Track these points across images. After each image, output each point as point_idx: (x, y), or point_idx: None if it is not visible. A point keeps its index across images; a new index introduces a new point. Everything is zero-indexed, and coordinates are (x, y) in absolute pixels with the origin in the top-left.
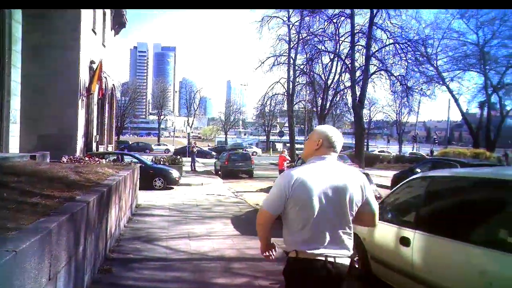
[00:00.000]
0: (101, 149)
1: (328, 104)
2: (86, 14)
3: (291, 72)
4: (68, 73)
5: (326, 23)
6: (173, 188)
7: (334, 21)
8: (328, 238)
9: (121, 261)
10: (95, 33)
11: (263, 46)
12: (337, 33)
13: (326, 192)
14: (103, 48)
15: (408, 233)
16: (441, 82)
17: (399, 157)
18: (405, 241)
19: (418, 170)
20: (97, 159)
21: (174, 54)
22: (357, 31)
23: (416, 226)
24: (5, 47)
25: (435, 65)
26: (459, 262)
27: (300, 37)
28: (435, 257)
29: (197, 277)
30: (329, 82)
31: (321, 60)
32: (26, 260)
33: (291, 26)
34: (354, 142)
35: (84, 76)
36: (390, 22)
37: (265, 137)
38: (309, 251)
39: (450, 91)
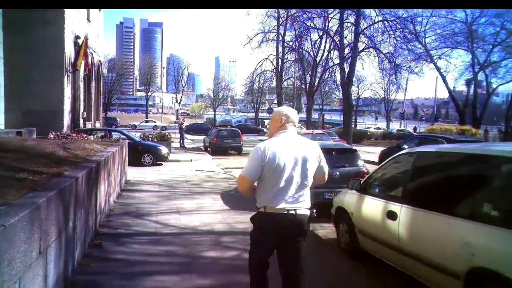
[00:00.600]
0: (89, 125)
1: (316, 81)
2: None
3: (280, 49)
4: (53, 48)
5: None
6: (162, 164)
7: None
8: (290, 196)
9: (111, 236)
10: None
11: (251, 22)
12: (325, 10)
13: (291, 159)
14: (88, 23)
15: (394, 207)
16: (429, 60)
17: (386, 133)
18: (391, 215)
19: (405, 146)
20: (84, 135)
21: (161, 30)
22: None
23: (402, 200)
24: None
25: (423, 42)
26: (443, 235)
27: (289, 14)
28: (420, 230)
29: (187, 250)
30: (318, 59)
31: (310, 37)
32: (15, 235)
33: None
34: (342, 119)
35: (69, 52)
36: None
37: (254, 114)
38: (275, 207)
39: (438, 69)
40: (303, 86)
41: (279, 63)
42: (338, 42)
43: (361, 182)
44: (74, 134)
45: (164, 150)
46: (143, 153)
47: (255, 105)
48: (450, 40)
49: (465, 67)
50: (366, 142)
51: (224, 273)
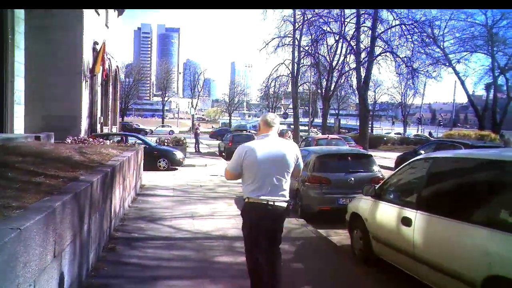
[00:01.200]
0: (106, 130)
1: (332, 86)
2: None
3: (296, 54)
4: (72, 54)
5: None
6: (177, 169)
7: None
8: (269, 188)
9: (125, 240)
10: (98, 13)
11: (267, 27)
12: (342, 14)
13: (269, 157)
14: (106, 29)
15: (409, 213)
16: (447, 64)
17: (403, 138)
18: (406, 221)
19: (422, 151)
20: (101, 140)
21: (178, 35)
22: (363, 12)
23: (417, 206)
24: (7, 28)
25: (441, 46)
26: (459, 242)
27: (305, 18)
28: (436, 237)
29: (200, 255)
30: (334, 63)
31: (326, 42)
32: (30, 238)
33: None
34: (358, 123)
35: (87, 57)
36: None
37: None
38: (256, 197)
39: (457, 73)
40: (319, 91)
41: (295, 68)
42: (354, 47)
43: (376, 188)
44: (91, 139)
45: (179, 155)
46: (158, 157)
47: (270, 110)
48: (469, 43)
49: (485, 71)
50: (382, 147)
51: (236, 278)
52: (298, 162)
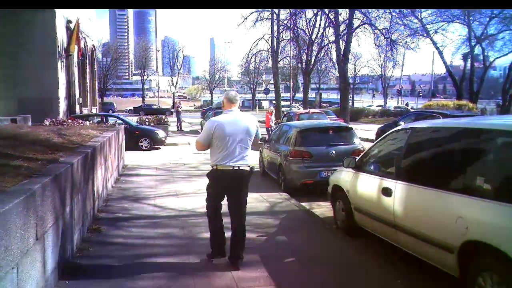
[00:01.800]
0: (85, 111)
1: (313, 60)
2: None
3: (275, 28)
4: (44, 33)
5: None
6: (159, 148)
7: None
8: (235, 156)
9: (110, 220)
10: None
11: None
12: None
13: (233, 129)
14: None
15: (389, 183)
16: (425, 35)
17: (384, 111)
18: (386, 192)
19: (402, 122)
20: (80, 121)
21: (155, 12)
22: None
23: (397, 176)
24: None
25: (419, 17)
26: (437, 210)
27: None
28: (415, 206)
29: (185, 232)
30: (313, 37)
31: (305, 15)
32: (10, 221)
33: None
34: (339, 97)
35: (61, 36)
36: None
37: (251, 95)
38: (225, 165)
39: (434, 44)
40: (299, 65)
41: (275, 42)
42: (333, 19)
43: (357, 159)
44: (70, 120)
45: (161, 134)
46: (140, 137)
47: (252, 86)
48: (446, 13)
49: (462, 41)
50: (363, 119)
51: None
52: (257, 132)
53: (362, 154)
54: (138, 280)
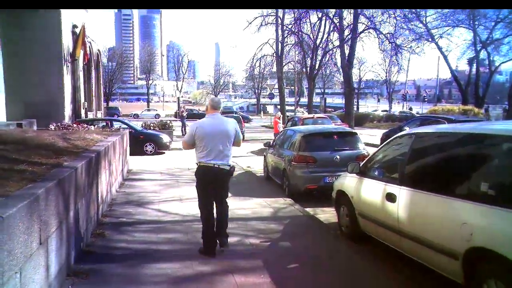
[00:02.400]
0: (90, 116)
1: (317, 65)
2: None
3: (280, 32)
4: (50, 38)
5: None
6: (164, 153)
7: None
8: (215, 155)
9: (113, 225)
10: None
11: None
12: None
13: (213, 131)
14: (85, 12)
15: (393, 189)
16: (430, 39)
17: (389, 115)
18: (390, 197)
19: (407, 128)
20: (85, 125)
21: (160, 17)
22: None
23: (401, 182)
24: None
25: (424, 21)
26: (442, 216)
27: None
28: (419, 212)
29: (189, 237)
30: (318, 41)
31: (309, 19)
32: (14, 226)
33: None
34: (344, 102)
35: (67, 41)
36: None
37: (255, 100)
38: (206, 162)
39: (439, 48)
40: (304, 70)
41: (279, 47)
42: (337, 24)
43: (361, 165)
44: (75, 125)
45: (166, 138)
46: (145, 142)
47: (257, 91)
48: (451, 18)
49: (467, 45)
50: (368, 124)
51: (225, 259)
52: (237, 133)
53: (366, 159)
54: (141, 285)
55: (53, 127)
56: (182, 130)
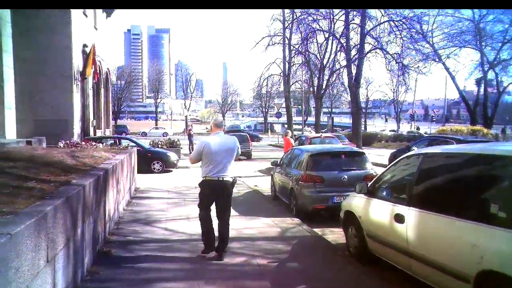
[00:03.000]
0: (99, 133)
1: (324, 84)
2: None
3: (287, 52)
4: (61, 57)
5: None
6: (171, 171)
7: None
8: (220, 169)
9: (120, 243)
10: (86, 15)
11: (258, 26)
12: (331, 11)
13: (218, 148)
14: (95, 31)
15: (402, 210)
16: (437, 60)
17: (397, 135)
18: (399, 218)
19: (415, 148)
20: (94, 143)
21: (168, 36)
22: (351, 9)
23: (409, 203)
24: None
25: (431, 42)
26: (451, 238)
27: (294, 16)
28: (428, 233)
29: (196, 257)
30: (325, 61)
31: (316, 40)
32: (21, 243)
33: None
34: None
35: (77, 61)
36: None
37: (263, 119)
38: (211, 176)
39: (447, 69)
40: (311, 89)
41: (286, 67)
42: (344, 44)
43: (368, 185)
44: (83, 143)
45: (173, 157)
46: (152, 160)
47: (264, 110)
48: (458, 39)
49: (475, 66)
50: (376, 144)
51: (232, 279)
52: (238, 150)
53: (374, 179)
54: None
55: (62, 145)
56: (189, 148)
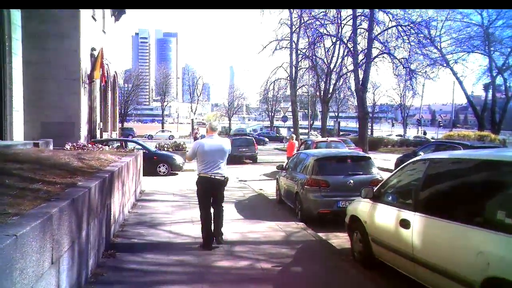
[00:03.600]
0: (105, 136)
1: (331, 88)
2: None
3: (294, 57)
4: (69, 61)
5: None
6: (177, 174)
7: None
8: (213, 167)
9: (125, 246)
10: (95, 19)
11: (265, 30)
12: (338, 16)
13: (211, 149)
14: (103, 35)
15: (407, 215)
16: (445, 65)
17: (403, 140)
18: (404, 223)
19: (421, 153)
20: (100, 146)
21: (176, 40)
22: (359, 14)
23: (415, 208)
24: (5, 35)
25: (438, 47)
26: (457, 244)
27: (302, 21)
28: (434, 239)
29: (200, 260)
30: (332, 66)
31: (324, 44)
32: (27, 244)
33: (292, 10)
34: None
35: (85, 64)
36: None
37: (269, 123)
38: (205, 173)
39: (454, 74)
40: (318, 94)
41: (293, 71)
42: (351, 48)
43: (374, 190)
44: (90, 145)
45: (179, 159)
46: (158, 163)
47: (270, 113)
48: (466, 44)
49: (483, 71)
50: (382, 149)
51: (236, 283)
52: (229, 151)
53: (380, 184)
54: None
55: (68, 147)
56: None
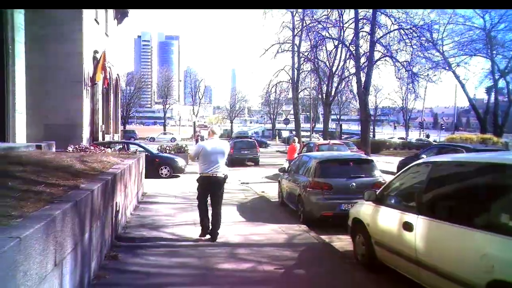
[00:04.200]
0: (107, 138)
1: (333, 91)
2: None
3: (296, 59)
4: (72, 63)
5: (329, 10)
6: (179, 176)
7: None
8: (213, 167)
9: (127, 248)
10: (97, 22)
11: (267, 33)
12: (341, 19)
13: (213, 150)
14: (106, 38)
15: (410, 218)
16: (447, 68)
17: (405, 143)
18: (408, 226)
19: (424, 156)
20: (102, 148)
21: (178, 43)
22: (361, 17)
23: (418, 211)
24: (8, 37)
25: (441, 50)
26: (461, 247)
27: (304, 24)
28: (437, 242)
29: (202, 262)
30: (334, 69)
31: (326, 47)
32: (30, 247)
33: (294, 13)
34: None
35: (88, 66)
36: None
37: (271, 125)
38: (206, 173)
39: (457, 77)
40: (320, 96)
41: (295, 74)
42: (353, 52)
43: (377, 192)
44: (92, 147)
45: (181, 162)
46: (160, 165)
47: (272, 116)
48: (468, 47)
49: (485, 74)
50: (385, 152)
51: (239, 285)
52: (227, 152)
53: (383, 187)
54: None
55: (71, 149)
56: None
